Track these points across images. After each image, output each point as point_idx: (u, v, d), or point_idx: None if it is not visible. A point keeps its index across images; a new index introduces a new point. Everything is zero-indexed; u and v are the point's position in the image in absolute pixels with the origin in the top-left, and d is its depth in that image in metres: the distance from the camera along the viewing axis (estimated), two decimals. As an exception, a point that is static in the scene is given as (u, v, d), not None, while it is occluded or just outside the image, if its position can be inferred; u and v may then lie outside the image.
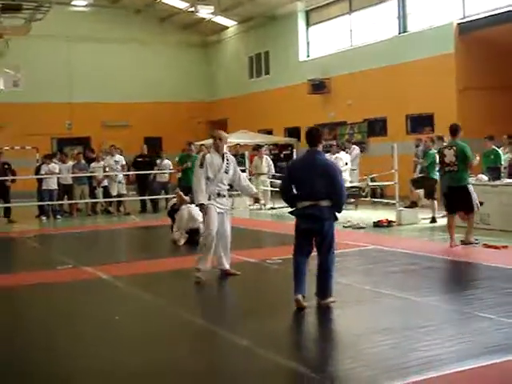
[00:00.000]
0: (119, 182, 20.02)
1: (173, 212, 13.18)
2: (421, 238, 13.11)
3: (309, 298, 7.48)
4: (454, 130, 11.26)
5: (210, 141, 26.34)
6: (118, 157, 20.39)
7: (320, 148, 7.53)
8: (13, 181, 19.20)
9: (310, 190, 7.26)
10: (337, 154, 18.84)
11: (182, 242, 12.45)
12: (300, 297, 7.36)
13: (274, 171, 21.30)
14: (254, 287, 9.28)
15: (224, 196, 9.26)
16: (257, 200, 10.80)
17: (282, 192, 7.76)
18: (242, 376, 5.42)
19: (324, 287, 7.44)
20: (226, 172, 9.18)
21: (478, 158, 11.73)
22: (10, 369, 5.74)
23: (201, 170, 9.07)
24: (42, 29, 25.69)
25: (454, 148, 11.09)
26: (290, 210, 7.76)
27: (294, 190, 7.52)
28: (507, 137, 15.02)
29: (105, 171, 20.00)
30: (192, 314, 7.70)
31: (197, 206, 9.36)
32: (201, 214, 9.76)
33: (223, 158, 9.24)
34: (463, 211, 11.34)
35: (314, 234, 7.42)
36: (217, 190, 9.15)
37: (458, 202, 11.22)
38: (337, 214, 7.47)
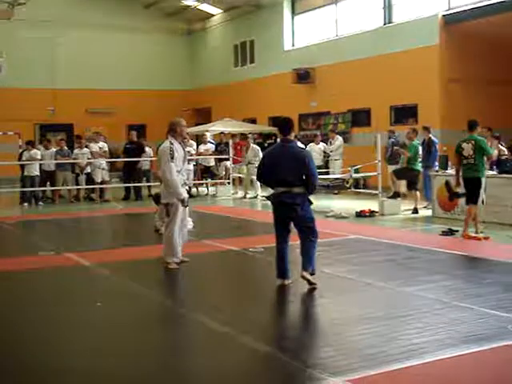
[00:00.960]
0: (103, 169, 19.97)
1: (157, 199, 13.01)
2: (403, 228, 13.18)
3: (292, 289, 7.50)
4: (471, 126, 11.58)
5: (196, 128, 26.47)
6: (101, 143, 20.34)
7: (292, 136, 7.94)
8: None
9: (284, 177, 7.63)
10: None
11: (163, 230, 12.33)
12: (283, 281, 7.81)
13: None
14: (235, 275, 9.30)
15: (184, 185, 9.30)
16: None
17: (258, 178, 8.29)
18: (217, 362, 5.44)
19: (308, 258, 7.75)
20: (188, 162, 9.17)
21: (496, 151, 11.92)
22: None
23: (172, 163, 8.81)
24: (25, 13, 25.50)
25: (472, 142, 11.38)
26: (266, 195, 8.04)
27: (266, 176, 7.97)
28: (487, 129, 15.11)
29: (90, 158, 19.90)
30: (172, 300, 7.72)
31: (179, 200, 8.94)
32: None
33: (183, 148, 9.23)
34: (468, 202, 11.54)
35: (289, 219, 7.80)
36: (182, 181, 9.14)
37: (468, 192, 11.50)
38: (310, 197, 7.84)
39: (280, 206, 7.75)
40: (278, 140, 8.54)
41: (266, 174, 7.95)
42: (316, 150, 20.38)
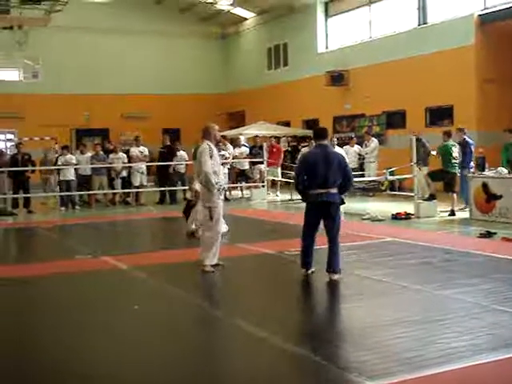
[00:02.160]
0: (142, 173, 20.15)
1: (188, 209, 12.86)
2: (439, 230, 13.04)
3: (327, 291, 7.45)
4: None
5: (230, 132, 26.58)
6: (142, 148, 20.51)
7: (327, 142, 8.60)
8: (32, 172, 19.35)
9: (323, 179, 8.17)
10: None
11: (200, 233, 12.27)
12: (306, 271, 8.51)
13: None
14: (270, 278, 9.28)
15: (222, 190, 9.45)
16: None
17: (296, 181, 8.69)
18: (253, 365, 5.46)
19: (333, 261, 8.29)
20: (223, 165, 9.34)
21: None
22: (28, 358, 5.80)
23: (210, 162, 9.00)
24: (62, 20, 25.86)
25: None
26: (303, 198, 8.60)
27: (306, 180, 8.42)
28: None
29: (129, 161, 20.07)
30: (209, 303, 7.74)
31: (217, 189, 9.05)
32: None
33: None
34: None
35: (323, 217, 8.35)
36: (222, 184, 9.29)
37: None
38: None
39: (320, 204, 8.25)
40: (313, 144, 8.88)
41: (302, 178, 8.40)
42: (351, 152, 20.34)
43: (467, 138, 16.02)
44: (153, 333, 6.55)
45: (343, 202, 8.43)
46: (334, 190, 8.21)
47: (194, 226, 12.52)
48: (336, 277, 8.24)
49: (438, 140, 15.94)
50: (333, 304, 7.66)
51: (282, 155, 22.59)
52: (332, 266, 8.28)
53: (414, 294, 7.73)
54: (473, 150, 15.91)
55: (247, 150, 22.01)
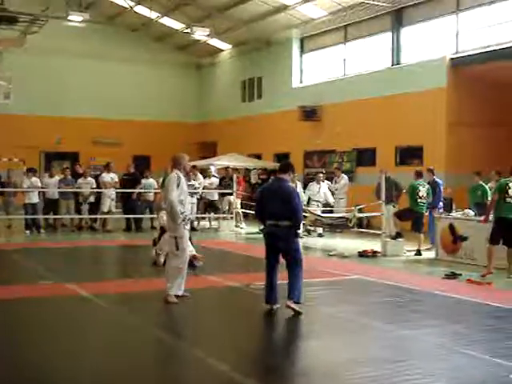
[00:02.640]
0: (112, 200, 19.99)
1: (160, 237, 12.72)
2: (405, 270, 13.07)
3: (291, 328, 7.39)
4: None
5: (201, 162, 26.53)
6: (112, 174, 20.33)
7: (286, 177, 8.67)
8: (1, 193, 19.12)
9: (272, 211, 8.43)
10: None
11: (162, 261, 12.18)
12: (270, 306, 8.50)
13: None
14: (235, 312, 9.18)
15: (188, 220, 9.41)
16: None
17: (255, 212, 9.10)
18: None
19: (292, 288, 8.36)
20: (192, 195, 9.32)
21: None
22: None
23: (177, 191, 8.96)
24: (37, 42, 25.74)
25: None
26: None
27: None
28: (495, 172, 15.03)
29: (99, 187, 19.90)
30: (168, 334, 7.62)
31: (181, 220, 8.98)
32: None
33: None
34: (507, 245, 11.75)
35: (277, 249, 8.53)
36: (187, 215, 9.21)
37: (508, 234, 11.65)
38: (299, 232, 8.78)
39: (269, 235, 8.56)
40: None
41: (259, 208, 8.76)
42: (317, 189, 20.32)
43: (437, 179, 16.18)
44: (109, 363, 6.41)
45: (296, 236, 8.52)
46: (285, 223, 8.32)
47: (154, 254, 12.44)
48: (293, 306, 8.27)
49: (408, 179, 16.07)
50: (295, 340, 7.59)
51: (242, 187, 22.74)
52: (290, 295, 8.34)
53: (377, 333, 7.70)
54: (442, 190, 16.07)
55: (217, 180, 22.01)
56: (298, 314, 8.24)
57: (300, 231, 8.87)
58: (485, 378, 5.91)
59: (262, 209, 8.66)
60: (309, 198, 19.48)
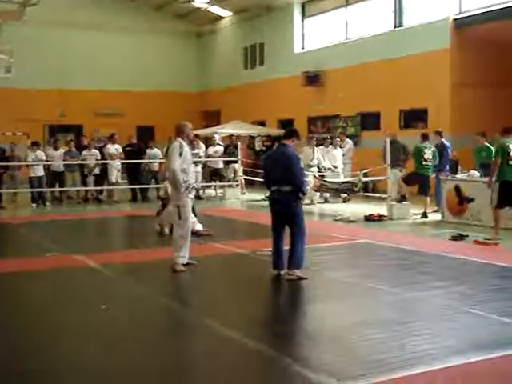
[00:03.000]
0: (118, 171, 19.99)
1: (163, 208, 12.82)
2: (412, 232, 13.07)
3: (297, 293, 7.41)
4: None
5: (205, 131, 26.45)
6: (117, 145, 20.27)
7: (290, 142, 8.66)
8: (6, 167, 19.07)
9: (275, 177, 8.51)
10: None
11: (167, 231, 12.30)
12: (277, 272, 8.54)
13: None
14: (243, 278, 9.20)
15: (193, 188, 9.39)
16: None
17: (263, 179, 9.23)
18: (222, 364, 5.42)
19: (292, 256, 8.41)
20: (196, 164, 9.27)
21: None
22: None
23: (180, 160, 8.94)
24: (36, 14, 25.51)
25: None
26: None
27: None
28: (500, 133, 14.91)
29: (104, 158, 19.88)
30: (177, 302, 7.66)
31: (184, 188, 8.97)
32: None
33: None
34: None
35: (280, 215, 8.57)
36: (191, 183, 9.18)
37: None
38: (302, 195, 8.60)
39: (273, 201, 8.61)
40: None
41: (265, 175, 8.87)
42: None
43: (445, 141, 16.09)
44: (120, 332, 6.46)
45: (297, 199, 8.47)
46: (287, 188, 8.34)
47: (157, 227, 12.50)
48: (296, 273, 8.31)
49: (413, 142, 15.99)
50: (302, 305, 7.61)
51: (243, 153, 22.55)
52: (289, 265, 8.41)
53: (384, 295, 7.71)
54: (450, 153, 15.98)
55: (222, 148, 21.93)
56: (300, 279, 8.28)
57: (303, 196, 8.78)
58: (495, 337, 5.93)
59: (268, 175, 8.74)
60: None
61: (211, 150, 21.47)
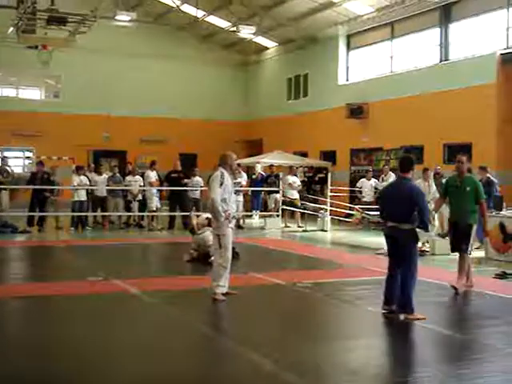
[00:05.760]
0: (157, 197, 20.17)
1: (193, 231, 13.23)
2: (454, 269, 12.82)
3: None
4: None
5: (249, 160, 26.51)
6: (155, 172, 20.49)
7: (410, 175, 8.29)
8: (51, 191, 19.32)
9: (393, 213, 8.14)
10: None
11: (186, 258, 12.83)
12: (385, 308, 8.13)
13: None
14: (284, 311, 9.14)
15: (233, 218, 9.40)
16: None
17: (379, 212, 8.85)
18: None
19: (402, 301, 8.01)
20: (237, 193, 9.30)
21: None
22: (34, 378, 5.74)
23: (220, 189, 9.01)
24: (85, 41, 26.03)
25: None
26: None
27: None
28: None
29: (145, 185, 20.10)
30: (215, 330, 7.65)
31: (225, 218, 9.03)
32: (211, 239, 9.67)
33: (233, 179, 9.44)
34: None
35: (395, 251, 8.17)
36: (233, 213, 9.22)
37: None
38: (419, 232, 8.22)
39: (389, 238, 8.25)
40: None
41: (382, 208, 8.56)
42: (367, 186, 20.25)
43: (491, 177, 15.87)
44: (158, 359, 6.46)
45: (417, 240, 8.23)
46: (406, 226, 8.02)
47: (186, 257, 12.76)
48: (402, 317, 8.02)
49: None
50: (341, 339, 7.53)
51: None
52: (398, 305, 8.10)
53: (425, 333, 7.59)
54: (498, 189, 15.71)
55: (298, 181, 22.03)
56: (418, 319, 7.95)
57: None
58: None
59: (384, 209, 8.60)
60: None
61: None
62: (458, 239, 10.03)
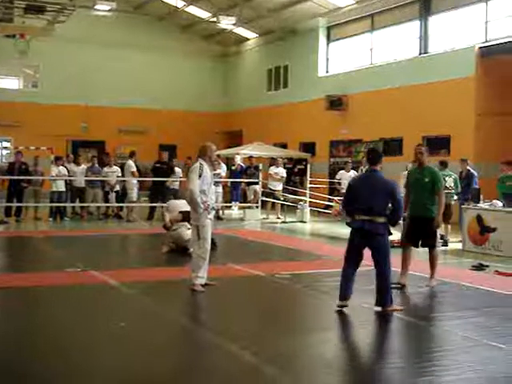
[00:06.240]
0: (137, 188, 20.10)
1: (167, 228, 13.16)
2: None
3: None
4: None
5: (229, 151, 26.49)
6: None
7: (378, 168, 8.19)
8: (29, 181, 19.20)
9: (367, 206, 7.82)
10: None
11: (165, 250, 12.79)
12: (342, 303, 7.92)
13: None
14: (263, 302, 9.17)
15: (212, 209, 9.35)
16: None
17: (344, 204, 8.58)
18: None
19: (382, 294, 7.90)
20: (216, 184, 9.26)
21: None
22: (9, 370, 5.70)
23: (199, 181, 8.99)
24: (64, 31, 25.86)
25: None
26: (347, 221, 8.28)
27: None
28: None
29: (123, 175, 19.98)
30: (193, 322, 7.64)
31: (203, 209, 8.99)
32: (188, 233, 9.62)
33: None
34: None
35: (366, 247, 7.95)
36: (211, 204, 9.16)
37: None
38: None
39: (361, 232, 7.89)
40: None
41: (350, 202, 8.14)
42: (346, 177, 20.29)
43: (471, 170, 15.98)
44: (136, 351, 6.45)
45: (390, 233, 7.99)
46: (381, 220, 7.85)
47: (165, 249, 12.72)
48: (378, 308, 7.95)
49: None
50: (313, 332, 7.55)
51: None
52: (379, 299, 7.97)
53: (402, 325, 7.64)
54: (477, 181, 15.79)
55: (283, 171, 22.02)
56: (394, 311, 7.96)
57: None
58: (510, 370, 5.86)
59: (352, 202, 8.17)
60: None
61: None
62: (425, 236, 9.88)
